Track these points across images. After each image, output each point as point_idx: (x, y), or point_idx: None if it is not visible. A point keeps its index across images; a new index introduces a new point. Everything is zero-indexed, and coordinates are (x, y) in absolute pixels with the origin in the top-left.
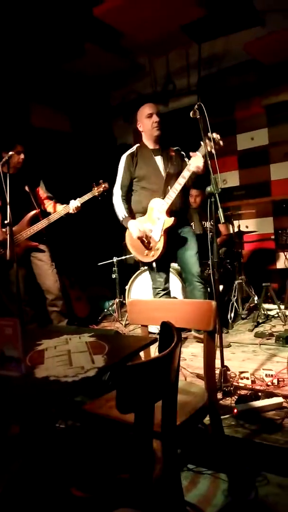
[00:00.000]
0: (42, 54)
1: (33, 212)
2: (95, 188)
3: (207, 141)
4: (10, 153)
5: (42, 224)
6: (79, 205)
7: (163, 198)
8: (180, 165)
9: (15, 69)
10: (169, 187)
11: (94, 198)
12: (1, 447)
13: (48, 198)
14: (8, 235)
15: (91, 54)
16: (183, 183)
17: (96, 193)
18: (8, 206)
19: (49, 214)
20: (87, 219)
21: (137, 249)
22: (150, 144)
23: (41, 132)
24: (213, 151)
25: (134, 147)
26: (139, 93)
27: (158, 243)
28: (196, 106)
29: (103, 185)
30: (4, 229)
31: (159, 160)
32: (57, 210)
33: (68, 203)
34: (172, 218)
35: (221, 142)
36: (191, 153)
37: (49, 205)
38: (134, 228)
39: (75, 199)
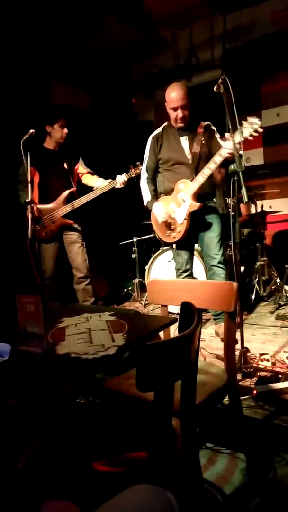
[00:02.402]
0: (61, 29)
1: (70, 190)
2: (132, 170)
3: (244, 124)
4: (55, 126)
5: (80, 202)
6: (126, 179)
7: (191, 180)
8: (209, 143)
9: (34, 45)
10: (196, 169)
11: (130, 179)
12: (23, 422)
13: (89, 173)
14: (29, 214)
15: (111, 27)
16: (213, 168)
17: (133, 175)
18: (29, 185)
19: (90, 190)
20: (107, 199)
21: (160, 229)
22: (173, 123)
23: (61, 109)
24: (250, 137)
25: (160, 128)
26: (161, 68)
27: (181, 225)
28: (220, 80)
29: (140, 167)
30: (40, 206)
31: (184, 140)
32: (99, 185)
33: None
34: (198, 204)
35: (259, 130)
36: (226, 135)
37: (90, 180)
38: (159, 212)
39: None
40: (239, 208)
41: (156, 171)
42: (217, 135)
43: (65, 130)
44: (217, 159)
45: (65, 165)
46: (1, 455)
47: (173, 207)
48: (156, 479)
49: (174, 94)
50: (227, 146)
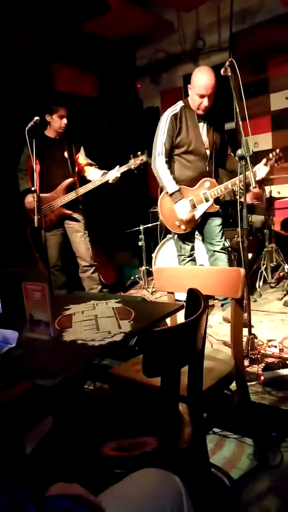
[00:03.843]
0: (65, 11)
1: (69, 180)
2: (132, 160)
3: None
4: (54, 116)
5: (78, 192)
6: (119, 175)
7: (207, 171)
8: (223, 132)
9: (38, 29)
10: (212, 160)
11: (129, 170)
12: (31, 407)
13: (89, 165)
14: (35, 202)
15: (115, 10)
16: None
17: (133, 166)
18: (35, 173)
19: (89, 181)
20: (113, 186)
21: (170, 218)
22: (193, 107)
23: (61, 97)
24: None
25: (178, 107)
26: (167, 52)
27: (195, 221)
28: (227, 63)
29: (141, 158)
30: (41, 193)
31: (202, 127)
32: (95, 178)
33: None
34: (218, 207)
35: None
36: (263, 161)
37: (88, 172)
38: (185, 211)
39: (101, 167)
40: (248, 190)
41: (171, 154)
42: (225, 131)
43: (64, 121)
44: (249, 175)
45: (66, 154)
46: (9, 440)
47: (193, 202)
48: (163, 463)
49: (205, 81)
50: (261, 171)
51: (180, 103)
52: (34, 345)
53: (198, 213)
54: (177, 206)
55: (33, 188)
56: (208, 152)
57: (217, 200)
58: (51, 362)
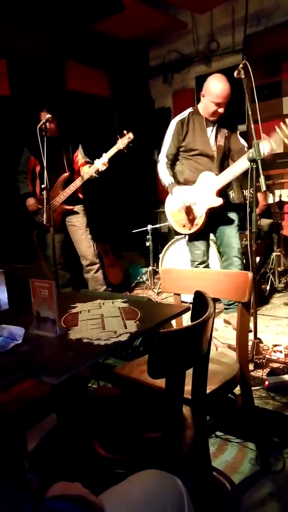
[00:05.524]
0: (79, 10)
1: (64, 175)
2: (120, 140)
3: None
4: (48, 116)
5: (75, 185)
6: (106, 160)
7: (216, 174)
8: (230, 137)
9: (51, 27)
10: (220, 162)
11: (124, 155)
12: (36, 404)
13: (86, 163)
14: (45, 199)
15: (130, 10)
16: (246, 168)
17: (122, 146)
18: (45, 171)
19: (90, 180)
20: (122, 186)
21: (176, 218)
22: (204, 114)
23: (77, 95)
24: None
25: (187, 113)
26: (180, 53)
27: (199, 218)
28: (241, 65)
29: (127, 136)
30: (41, 194)
31: (210, 131)
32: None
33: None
34: (221, 200)
35: None
36: (263, 136)
37: (83, 171)
38: (179, 198)
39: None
40: (256, 198)
41: (176, 158)
42: (238, 131)
43: (51, 125)
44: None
45: (63, 153)
46: (12, 436)
47: (193, 199)
48: (165, 465)
49: (221, 89)
50: (265, 147)
51: (189, 109)
52: (40, 342)
53: (200, 209)
54: (174, 196)
55: (43, 186)
56: (215, 154)
57: (222, 194)
58: (56, 360)
